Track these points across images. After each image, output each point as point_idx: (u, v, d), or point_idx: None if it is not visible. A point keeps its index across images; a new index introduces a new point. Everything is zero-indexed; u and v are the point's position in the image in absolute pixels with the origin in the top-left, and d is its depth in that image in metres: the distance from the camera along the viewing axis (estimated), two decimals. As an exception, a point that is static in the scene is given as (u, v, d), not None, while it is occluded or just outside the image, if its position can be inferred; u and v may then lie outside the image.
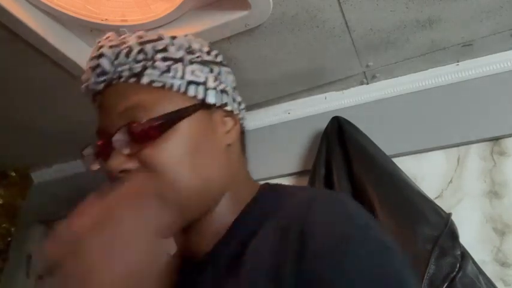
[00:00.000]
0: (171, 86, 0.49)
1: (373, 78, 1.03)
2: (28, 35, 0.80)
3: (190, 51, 0.52)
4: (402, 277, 0.37)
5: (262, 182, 0.57)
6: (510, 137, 0.90)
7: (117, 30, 0.83)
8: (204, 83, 0.51)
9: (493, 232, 0.86)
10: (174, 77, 0.49)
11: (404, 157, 0.97)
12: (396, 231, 0.78)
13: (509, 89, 0.91)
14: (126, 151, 0.46)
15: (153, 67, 0.49)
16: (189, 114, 0.48)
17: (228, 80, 0.55)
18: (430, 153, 0.96)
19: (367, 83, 1.06)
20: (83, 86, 0.52)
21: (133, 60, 0.49)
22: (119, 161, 0.46)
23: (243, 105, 0.58)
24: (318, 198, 0.45)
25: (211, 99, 0.50)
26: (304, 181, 0.99)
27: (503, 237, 0.85)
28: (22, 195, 1.51)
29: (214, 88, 0.51)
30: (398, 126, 0.99)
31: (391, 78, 1.03)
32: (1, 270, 1.42)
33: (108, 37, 0.52)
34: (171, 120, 0.47)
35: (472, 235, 0.85)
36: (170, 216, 0.41)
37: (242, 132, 0.57)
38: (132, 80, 0.48)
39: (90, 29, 0.85)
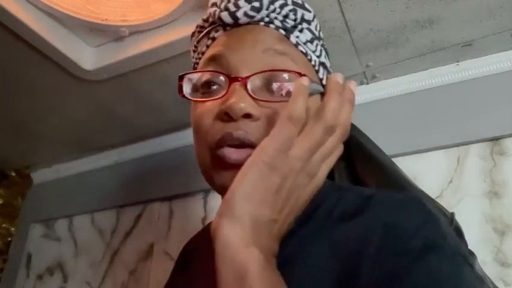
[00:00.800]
0: (312, 59, 0.48)
1: (373, 78, 1.03)
2: (28, 35, 0.80)
3: (320, 35, 0.52)
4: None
5: None
6: (510, 137, 0.90)
7: (117, 30, 0.83)
8: (328, 69, 0.51)
9: (493, 232, 0.85)
10: (314, 51, 0.48)
11: (404, 157, 0.97)
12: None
13: (509, 89, 0.91)
14: (260, 96, 0.42)
15: (301, 31, 0.48)
16: (319, 91, 0.44)
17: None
18: (430, 153, 0.96)
19: (367, 83, 1.06)
20: (224, 13, 0.46)
21: (286, 15, 0.47)
22: (248, 103, 0.40)
23: None
24: (401, 199, 0.43)
25: (324, 81, 0.50)
26: (304, 181, 0.99)
27: (503, 237, 0.84)
28: (22, 195, 1.51)
29: (329, 71, 0.52)
30: (398, 126, 0.98)
31: (391, 78, 1.03)
32: (1, 270, 1.42)
33: None
34: (316, 87, 0.43)
35: (472, 235, 0.85)
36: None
37: None
38: (282, 32, 0.46)
39: (90, 29, 0.85)
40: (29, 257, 1.44)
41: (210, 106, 0.43)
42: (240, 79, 0.42)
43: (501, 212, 0.86)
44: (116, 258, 1.26)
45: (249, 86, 0.41)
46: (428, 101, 0.98)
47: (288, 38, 0.46)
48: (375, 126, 0.98)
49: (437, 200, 0.89)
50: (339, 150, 0.42)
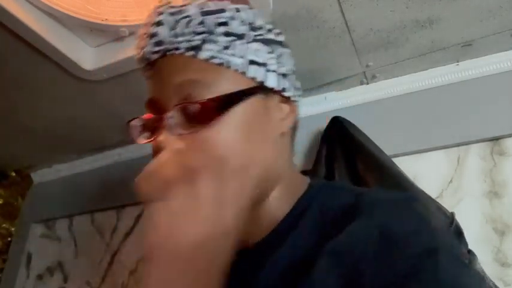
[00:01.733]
0: (231, 64, 0.45)
1: (373, 78, 1.03)
2: (28, 35, 0.80)
3: (253, 27, 0.47)
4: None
5: None
6: (510, 137, 0.90)
7: (117, 30, 0.83)
8: (265, 64, 0.47)
9: (493, 232, 0.85)
10: (234, 55, 0.45)
11: (404, 157, 0.97)
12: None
13: (509, 89, 0.91)
14: (179, 130, 0.43)
15: (214, 41, 0.45)
16: (247, 97, 0.45)
17: (289, 63, 0.51)
18: (430, 153, 0.96)
19: (367, 83, 1.06)
20: (137, 54, 0.49)
21: (192, 32, 0.45)
22: (170, 140, 0.42)
23: (300, 92, 0.54)
24: (394, 200, 0.43)
25: (271, 82, 0.47)
26: (304, 181, 0.99)
27: (503, 237, 0.84)
28: (22, 195, 1.51)
29: (275, 71, 0.47)
30: (398, 126, 0.99)
31: (391, 78, 1.03)
32: (1, 270, 1.42)
33: (168, 3, 0.47)
34: (230, 101, 0.43)
35: (472, 235, 0.85)
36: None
37: (296, 122, 0.53)
38: (190, 53, 0.44)
39: (90, 29, 0.85)
40: (29, 257, 1.44)
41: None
42: (159, 120, 0.44)
43: (501, 212, 0.86)
44: (116, 258, 1.26)
45: (169, 123, 0.43)
46: (428, 101, 0.98)
47: (198, 57, 0.44)
48: (375, 126, 0.98)
49: (437, 200, 0.89)
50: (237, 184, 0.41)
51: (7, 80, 0.97)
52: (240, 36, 0.46)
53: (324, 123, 0.99)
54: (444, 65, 0.99)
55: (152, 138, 0.45)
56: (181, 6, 0.47)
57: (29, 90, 1.01)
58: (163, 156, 0.40)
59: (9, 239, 1.46)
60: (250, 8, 0.49)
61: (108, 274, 1.26)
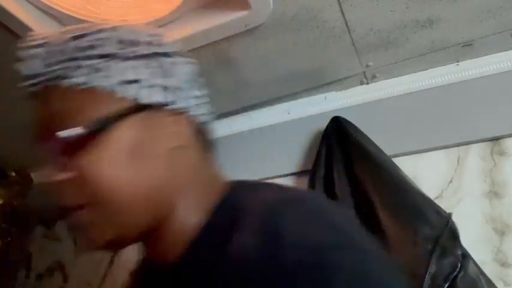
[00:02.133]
0: (102, 87, 0.43)
1: (373, 78, 1.03)
2: (28, 35, 0.80)
3: (125, 45, 0.45)
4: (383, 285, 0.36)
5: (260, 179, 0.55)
6: (510, 137, 0.90)
7: (117, 30, 0.83)
8: (139, 81, 0.44)
9: (493, 232, 0.85)
10: (104, 77, 0.43)
11: (404, 157, 0.97)
12: (397, 231, 0.78)
13: (509, 89, 0.91)
14: (54, 161, 0.43)
15: (82, 67, 0.43)
16: (122, 118, 0.43)
17: (177, 73, 0.48)
18: (430, 153, 0.96)
19: (367, 83, 1.06)
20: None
21: (60, 61, 0.43)
22: (51, 173, 0.43)
23: (202, 100, 0.51)
24: (288, 202, 0.42)
25: (149, 98, 0.44)
26: (304, 181, 0.99)
27: (503, 237, 0.85)
28: (22, 195, 1.51)
29: (153, 85, 0.45)
30: (398, 126, 0.98)
31: (391, 78, 1.03)
32: (1, 270, 1.42)
33: (34, 36, 0.46)
34: (101, 125, 0.42)
35: (472, 235, 0.85)
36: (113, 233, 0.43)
37: (201, 130, 0.51)
38: (58, 82, 0.43)
39: (90, 29, 0.85)
40: (29, 257, 1.44)
41: None
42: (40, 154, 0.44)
43: (501, 212, 0.86)
44: (116, 258, 1.26)
45: (49, 155, 0.43)
46: (428, 101, 0.98)
47: (66, 85, 0.43)
48: (375, 126, 0.98)
49: (437, 200, 0.89)
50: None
51: (7, 80, 0.97)
52: (110, 57, 0.44)
53: (324, 123, 0.99)
54: (444, 65, 0.99)
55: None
56: (47, 36, 0.46)
57: (29, 90, 1.01)
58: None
59: (9, 239, 1.46)
60: (121, 26, 0.47)
61: (108, 274, 1.26)
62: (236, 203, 0.46)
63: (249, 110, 1.15)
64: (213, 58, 0.91)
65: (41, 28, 0.80)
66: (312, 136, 1.06)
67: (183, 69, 0.49)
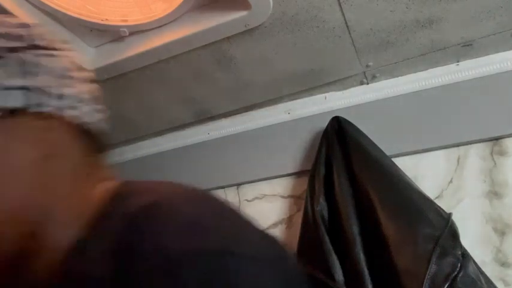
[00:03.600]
0: None
1: (373, 78, 1.03)
2: (28, 35, 0.80)
3: None
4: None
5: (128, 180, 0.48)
6: (510, 137, 0.90)
7: (117, 30, 0.83)
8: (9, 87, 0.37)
9: (493, 232, 0.86)
10: None
11: (404, 157, 0.97)
12: (397, 231, 0.78)
13: (509, 89, 0.91)
14: None
15: None
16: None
17: (46, 69, 0.41)
18: (430, 153, 0.96)
19: (367, 83, 1.06)
20: None
21: None
22: None
23: (82, 97, 0.44)
24: (157, 204, 0.37)
25: (3, 103, 0.37)
26: (304, 181, 0.99)
27: (503, 237, 0.85)
28: (22, 195, 1.50)
29: (10, 87, 0.38)
30: (398, 126, 0.99)
31: (391, 78, 1.03)
32: (1, 271, 1.41)
33: None
34: None
35: (472, 235, 0.85)
36: None
37: (83, 132, 0.45)
38: None
39: (90, 29, 0.85)
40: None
41: None
42: None
43: (501, 212, 0.86)
44: (116, 259, 1.26)
45: None
46: (428, 101, 0.98)
47: None
48: (375, 126, 0.98)
49: (437, 200, 0.89)
50: None
51: (7, 80, 0.97)
52: None
53: (324, 123, 0.99)
54: (444, 65, 0.99)
55: None
56: None
57: (28, 90, 1.01)
58: None
59: (9, 239, 1.45)
60: None
61: (108, 274, 1.25)
62: (109, 213, 0.40)
63: (249, 110, 1.15)
64: (213, 58, 0.91)
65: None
66: (312, 136, 1.06)
67: (53, 63, 0.42)
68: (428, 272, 0.71)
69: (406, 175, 0.88)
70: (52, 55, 0.42)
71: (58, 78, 0.42)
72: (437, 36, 0.88)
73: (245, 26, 0.80)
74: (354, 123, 0.96)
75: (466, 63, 0.97)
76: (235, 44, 0.86)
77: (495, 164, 0.90)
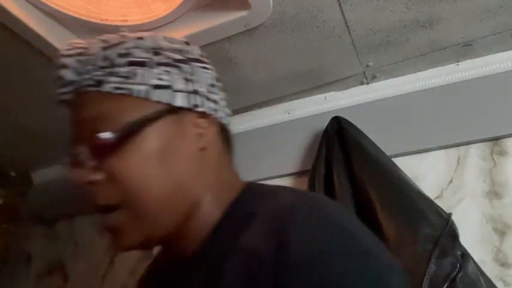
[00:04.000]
0: (134, 92, 0.46)
1: (373, 78, 1.03)
2: (28, 35, 0.80)
3: (156, 52, 0.49)
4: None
5: (263, 181, 0.57)
6: (510, 137, 0.90)
7: (117, 30, 0.83)
8: (169, 86, 0.48)
9: (493, 232, 0.86)
10: (137, 83, 0.46)
11: (404, 157, 0.97)
12: (397, 231, 0.78)
13: (509, 89, 0.91)
14: (91, 163, 0.46)
15: (116, 73, 0.46)
16: (153, 121, 0.46)
17: (202, 78, 0.52)
18: (430, 153, 0.96)
19: (367, 83, 1.06)
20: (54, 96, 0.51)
21: (95, 68, 0.47)
22: (82, 174, 0.46)
23: (223, 103, 0.55)
24: (299, 204, 0.44)
25: (179, 102, 0.48)
26: (304, 181, 0.99)
27: (503, 237, 0.85)
28: (22, 195, 1.51)
29: (181, 90, 0.48)
30: (399, 126, 0.99)
31: (391, 78, 1.03)
32: (1, 270, 1.42)
33: (71, 45, 0.49)
34: (132, 129, 0.45)
35: (472, 235, 0.85)
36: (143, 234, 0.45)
37: (223, 132, 0.55)
38: (95, 88, 0.47)
39: (90, 29, 0.85)
40: (29, 257, 1.44)
41: None
42: (74, 155, 0.48)
43: (501, 212, 0.86)
44: (116, 258, 1.26)
45: (80, 158, 0.46)
46: (428, 101, 0.98)
47: (102, 91, 0.46)
48: (375, 126, 0.98)
49: (437, 200, 0.89)
50: None
51: (7, 80, 0.97)
52: (142, 64, 0.47)
53: (324, 123, 0.99)
54: (444, 65, 0.99)
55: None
56: (84, 45, 0.49)
57: (29, 90, 1.01)
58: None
59: (9, 239, 1.46)
60: (154, 36, 0.51)
61: (108, 274, 1.26)
62: (249, 203, 0.49)
63: (249, 110, 1.15)
64: (213, 58, 0.90)
65: (41, 28, 0.80)
66: (312, 136, 1.06)
67: (206, 75, 0.53)
68: (427, 272, 0.71)
69: (406, 175, 0.88)
70: (206, 68, 0.53)
71: (209, 86, 0.52)
72: (437, 36, 0.88)
73: (245, 26, 0.80)
74: (354, 123, 0.96)
75: (466, 63, 0.97)
76: (235, 44, 0.86)
77: (495, 164, 0.90)
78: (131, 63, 0.47)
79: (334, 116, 0.99)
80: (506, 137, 0.90)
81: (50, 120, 1.16)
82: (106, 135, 0.44)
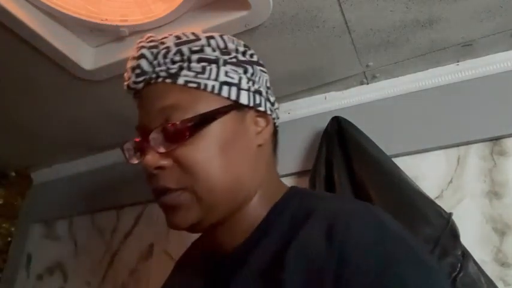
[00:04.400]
0: (205, 86, 0.50)
1: (373, 78, 1.03)
2: (28, 35, 0.80)
3: (225, 51, 0.53)
4: None
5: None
6: (510, 137, 0.90)
7: (117, 30, 0.83)
8: (237, 84, 0.52)
9: (493, 232, 0.85)
10: (208, 78, 0.50)
11: (404, 157, 0.97)
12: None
13: (509, 89, 0.91)
14: (161, 149, 0.49)
15: (189, 68, 0.50)
16: (221, 115, 0.50)
17: (262, 80, 0.56)
18: (430, 153, 0.96)
19: (367, 83, 1.06)
20: (124, 85, 0.55)
21: (170, 61, 0.51)
22: (154, 158, 0.49)
23: (276, 105, 0.59)
24: (355, 210, 0.46)
25: (243, 100, 0.52)
26: (305, 181, 0.99)
27: (503, 237, 0.84)
28: (22, 195, 1.51)
29: (248, 89, 0.53)
30: (398, 126, 0.98)
31: (391, 78, 1.03)
32: (1, 270, 1.42)
33: (148, 37, 0.53)
34: (203, 120, 0.49)
35: (472, 235, 0.85)
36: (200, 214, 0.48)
37: (275, 133, 0.59)
38: (169, 80, 0.50)
39: (90, 29, 0.85)
40: (29, 257, 1.44)
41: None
42: (144, 141, 0.51)
43: (501, 212, 0.86)
44: (116, 258, 1.26)
45: (152, 144, 0.49)
46: (428, 101, 0.98)
47: (176, 83, 0.50)
48: (374, 126, 0.98)
49: (437, 200, 0.89)
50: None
51: (7, 80, 0.97)
52: (213, 61, 0.52)
53: (324, 123, 0.99)
54: (444, 65, 0.99)
55: (141, 159, 0.51)
56: (160, 39, 0.53)
57: (29, 90, 1.01)
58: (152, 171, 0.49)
59: (9, 239, 1.46)
60: (222, 36, 0.55)
61: (108, 274, 1.26)
62: (298, 203, 0.51)
63: (249, 110, 1.15)
64: (213, 58, 0.91)
65: (41, 28, 0.80)
66: (312, 136, 1.06)
67: (265, 77, 0.58)
68: (428, 272, 0.71)
69: (406, 175, 0.88)
70: (264, 71, 0.58)
71: (267, 87, 0.57)
72: (437, 36, 0.88)
73: (245, 26, 0.80)
74: (354, 123, 0.96)
75: (466, 63, 0.97)
76: (235, 44, 0.86)
77: (495, 164, 0.90)
78: (203, 60, 0.51)
79: (334, 116, 0.99)
80: (506, 137, 0.90)
81: (49, 120, 1.16)
82: (181, 123, 0.48)
